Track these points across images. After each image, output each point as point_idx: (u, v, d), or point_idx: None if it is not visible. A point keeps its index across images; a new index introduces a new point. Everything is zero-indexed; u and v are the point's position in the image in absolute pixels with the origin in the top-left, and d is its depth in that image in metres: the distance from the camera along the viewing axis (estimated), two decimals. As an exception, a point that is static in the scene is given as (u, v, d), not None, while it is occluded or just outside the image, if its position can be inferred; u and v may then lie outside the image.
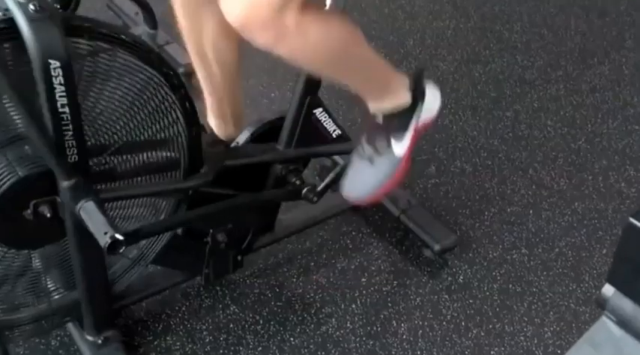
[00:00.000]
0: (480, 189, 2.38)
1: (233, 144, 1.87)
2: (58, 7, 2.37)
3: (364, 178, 1.81)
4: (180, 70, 2.53)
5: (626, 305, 1.15)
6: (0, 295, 1.66)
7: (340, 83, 1.70)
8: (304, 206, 1.99)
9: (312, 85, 1.82)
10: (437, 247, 2.08)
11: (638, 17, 3.22)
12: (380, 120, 1.76)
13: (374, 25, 2.98)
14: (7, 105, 1.47)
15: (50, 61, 1.35)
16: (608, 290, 1.17)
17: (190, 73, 2.57)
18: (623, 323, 1.16)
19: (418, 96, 1.78)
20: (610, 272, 1.17)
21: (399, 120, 1.77)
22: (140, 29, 2.69)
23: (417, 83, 1.78)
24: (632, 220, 1.08)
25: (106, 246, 1.43)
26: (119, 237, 1.42)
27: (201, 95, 2.48)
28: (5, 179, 1.47)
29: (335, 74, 1.67)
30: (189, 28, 1.84)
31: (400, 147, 1.78)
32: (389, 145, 1.77)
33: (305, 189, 1.90)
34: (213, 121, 1.92)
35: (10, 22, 1.35)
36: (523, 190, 2.39)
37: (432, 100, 1.83)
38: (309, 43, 1.50)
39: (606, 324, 1.17)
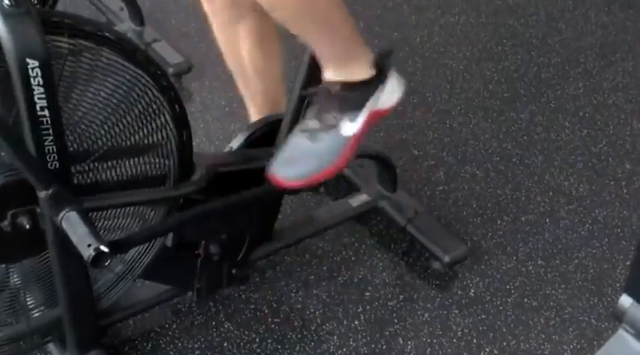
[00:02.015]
0: (492, 196, 2.39)
1: (226, 149, 1.88)
2: (36, 2, 2.40)
3: (301, 156, 1.77)
4: (170, 70, 2.56)
5: (644, 316, 1.16)
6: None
7: (304, 38, 1.69)
8: (303, 215, 2.00)
9: (311, 84, 1.83)
10: (446, 259, 2.09)
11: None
12: (334, 90, 1.74)
13: (377, 19, 2.99)
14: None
15: (28, 60, 1.36)
16: (625, 301, 1.18)
17: (181, 73, 2.60)
18: (643, 336, 1.17)
19: (381, 75, 1.77)
20: (628, 283, 1.18)
21: (355, 95, 1.75)
22: (125, 26, 2.71)
23: (382, 63, 1.77)
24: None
25: (90, 258, 1.43)
26: (104, 248, 1.43)
27: (191, 97, 2.51)
28: (-20, 188, 1.49)
29: (303, 24, 1.66)
30: (226, 40, 1.91)
31: (350, 127, 1.76)
32: (338, 122, 1.75)
33: None
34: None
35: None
36: (539, 197, 2.39)
37: (394, 87, 1.82)
38: None
39: (624, 337, 1.18)
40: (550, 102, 2.74)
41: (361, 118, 1.76)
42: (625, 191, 2.43)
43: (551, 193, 2.41)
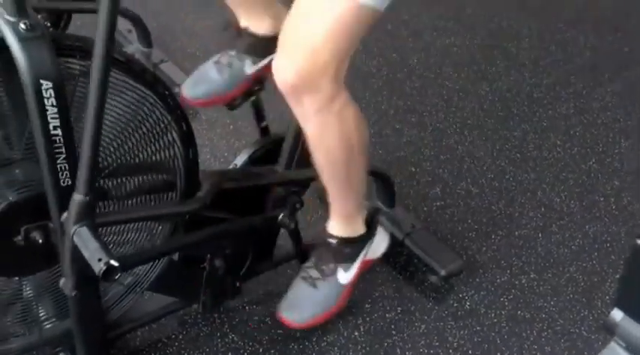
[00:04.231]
0: (486, 211, 2.39)
1: (231, 166, 1.88)
2: (49, 25, 2.41)
3: (305, 302, 1.93)
4: (176, 90, 2.56)
5: (636, 330, 1.16)
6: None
7: (330, 185, 1.80)
8: (305, 231, 2.01)
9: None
10: (442, 272, 2.09)
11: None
12: (334, 243, 1.91)
13: (377, 42, 2.99)
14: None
15: (42, 81, 1.36)
16: (616, 314, 1.18)
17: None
18: (634, 349, 1.17)
19: (371, 231, 1.95)
20: (618, 297, 1.18)
21: (350, 249, 1.93)
22: (134, 47, 2.72)
23: (372, 219, 1.96)
24: (639, 242, 1.10)
25: (101, 272, 1.43)
26: (114, 263, 1.43)
27: (197, 115, 2.51)
28: (-6, 205, 1.49)
29: (336, 167, 1.75)
30: None
31: (346, 276, 1.94)
32: (335, 272, 1.92)
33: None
34: (248, 18, 2.03)
35: (1, 42, 1.37)
36: (532, 213, 2.39)
37: (380, 242, 2.01)
38: (340, 124, 1.64)
39: (616, 350, 1.18)
40: (542, 121, 2.75)
41: (354, 269, 1.95)
42: (614, 207, 2.43)
43: (543, 209, 2.41)
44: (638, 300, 1.17)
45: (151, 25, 2.64)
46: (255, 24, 2.00)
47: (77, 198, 1.47)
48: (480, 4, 3.36)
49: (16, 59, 1.36)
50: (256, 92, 2.10)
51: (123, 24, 2.75)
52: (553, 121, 2.74)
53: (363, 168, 1.81)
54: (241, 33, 2.01)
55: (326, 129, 1.65)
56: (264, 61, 2.01)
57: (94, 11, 2.42)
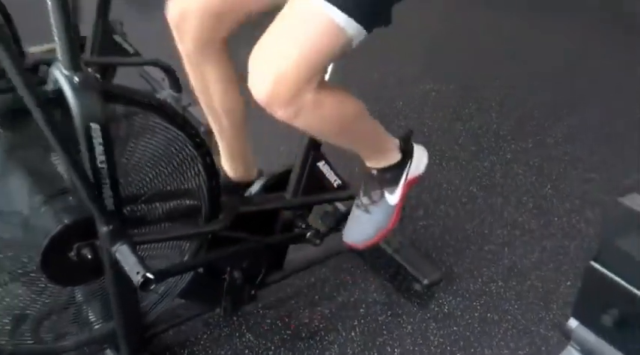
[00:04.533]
0: (461, 230, 2.38)
1: (247, 194, 1.88)
2: (98, 75, 2.41)
3: (362, 226, 1.83)
4: (202, 129, 2.55)
5: (589, 336, 1.16)
6: (49, 325, 1.66)
7: (343, 147, 1.71)
8: (309, 247, 2.00)
9: (315, 142, 1.84)
10: (425, 281, 2.07)
11: (603, 76, 3.25)
12: (375, 173, 1.79)
13: (367, 88, 2.98)
14: (55, 162, 1.49)
15: (91, 124, 1.37)
16: (572, 323, 1.18)
17: (210, 131, 2.60)
18: (586, 351, 1.17)
19: (407, 155, 1.83)
20: (574, 308, 1.18)
21: (391, 175, 1.80)
22: (166, 93, 2.71)
23: (406, 144, 1.83)
24: (592, 263, 1.10)
25: (139, 284, 1.43)
26: (150, 276, 1.43)
27: (218, 149, 2.50)
28: (53, 226, 1.48)
29: (340, 141, 1.70)
30: (196, 80, 1.81)
31: (393, 197, 1.81)
32: (383, 196, 1.80)
33: (309, 233, 1.92)
34: (226, 164, 1.92)
35: (60, 92, 1.37)
36: (499, 231, 2.39)
37: (420, 159, 1.88)
38: (323, 117, 1.52)
39: (572, 353, 1.18)
40: (507, 154, 2.74)
41: (399, 190, 1.83)
42: (566, 225, 2.42)
43: (508, 227, 2.40)
44: (590, 312, 1.16)
45: (181, 74, 2.63)
46: (229, 170, 1.92)
47: (119, 222, 1.47)
48: (453, 56, 3.37)
49: (70, 106, 1.36)
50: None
51: (158, 73, 2.75)
52: (515, 154, 2.74)
53: (367, 120, 1.69)
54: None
55: (313, 122, 1.53)
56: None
57: (133, 64, 2.44)
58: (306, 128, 1.59)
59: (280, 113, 1.45)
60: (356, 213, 1.84)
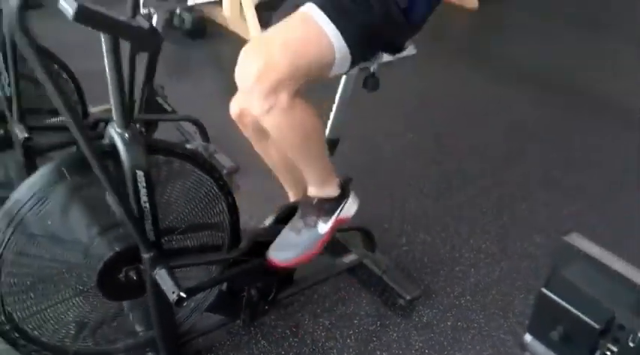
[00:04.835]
0: (436, 254, 2.39)
1: (261, 226, 1.90)
2: (143, 129, 2.45)
3: (290, 245, 1.76)
4: (224, 172, 2.58)
5: (540, 349, 1.18)
6: (103, 331, 1.69)
7: (298, 162, 1.68)
8: (312, 269, 2.01)
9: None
10: (407, 297, 2.09)
11: (549, 130, 3.29)
12: (315, 202, 1.76)
13: (358, 141, 2.99)
14: (108, 201, 1.52)
15: (137, 171, 1.41)
16: (527, 337, 1.21)
17: (231, 173, 2.62)
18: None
19: (344, 195, 1.79)
20: (529, 325, 1.20)
21: (328, 207, 1.77)
22: (197, 142, 2.74)
23: (345, 185, 1.80)
24: (543, 290, 1.13)
25: (174, 301, 1.46)
26: (183, 295, 1.46)
27: (239, 189, 2.52)
28: (107, 253, 1.52)
29: (298, 153, 1.63)
30: (264, 154, 1.88)
31: (325, 227, 1.77)
32: (316, 224, 1.76)
33: None
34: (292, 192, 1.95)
35: (113, 145, 1.41)
36: (467, 254, 2.41)
37: (352, 204, 1.83)
38: (292, 121, 1.48)
39: (527, 362, 1.20)
40: (472, 190, 2.77)
41: (331, 222, 1.78)
42: (519, 249, 2.44)
43: (474, 251, 2.42)
44: (542, 329, 1.19)
45: (208, 127, 2.67)
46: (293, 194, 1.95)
47: (158, 250, 1.50)
48: (430, 112, 3.42)
49: (121, 157, 1.40)
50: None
51: (191, 127, 2.78)
52: (478, 191, 2.77)
53: (322, 145, 1.65)
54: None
55: (281, 124, 1.47)
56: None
57: (171, 120, 2.47)
58: (273, 129, 1.50)
59: (257, 104, 1.41)
60: (286, 234, 1.77)
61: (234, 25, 4.20)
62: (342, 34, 1.42)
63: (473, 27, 4.92)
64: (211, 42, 4.08)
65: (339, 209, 1.78)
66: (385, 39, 1.56)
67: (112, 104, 1.38)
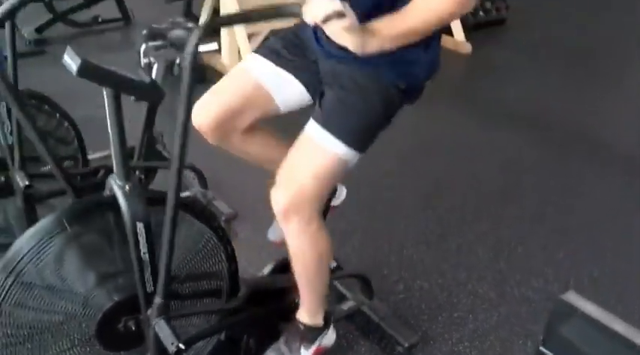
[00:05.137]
0: (434, 300, 2.38)
1: (260, 274, 1.90)
2: (142, 176, 2.46)
3: None
4: (223, 218, 2.59)
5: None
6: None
7: (304, 285, 1.74)
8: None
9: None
10: (406, 344, 2.08)
11: (540, 173, 3.31)
12: (301, 328, 1.82)
13: (354, 180, 3.03)
14: (108, 251, 1.53)
15: (137, 223, 1.42)
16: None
17: (229, 220, 2.63)
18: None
19: (326, 325, 1.86)
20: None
21: (311, 335, 1.84)
22: (195, 189, 2.76)
23: (328, 317, 1.87)
24: (542, 349, 1.13)
25: (174, 353, 1.45)
26: (182, 346, 1.45)
27: (237, 236, 2.52)
28: (107, 303, 1.51)
29: (308, 276, 1.72)
30: (235, 151, 1.85)
31: (306, 353, 1.84)
32: (299, 349, 1.83)
33: None
34: None
35: (114, 197, 1.42)
36: (464, 300, 2.39)
37: (331, 335, 1.91)
38: (315, 245, 1.62)
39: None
40: (468, 235, 2.77)
41: (312, 350, 1.85)
42: (517, 295, 2.43)
43: (472, 297, 2.41)
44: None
45: (207, 174, 2.69)
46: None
47: (157, 300, 1.50)
48: (424, 157, 3.45)
49: (121, 208, 1.41)
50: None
51: (189, 173, 2.79)
52: (476, 235, 2.77)
53: (327, 276, 1.75)
54: None
55: (304, 245, 1.61)
56: None
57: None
58: (296, 248, 1.62)
59: (294, 221, 1.54)
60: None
61: (232, 71, 4.26)
62: (351, 147, 1.55)
63: (467, 70, 5.01)
64: (210, 87, 4.12)
65: (321, 338, 1.86)
66: (388, 120, 1.64)
67: (113, 157, 1.40)
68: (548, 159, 3.49)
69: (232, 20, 1.64)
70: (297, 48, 1.71)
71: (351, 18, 1.28)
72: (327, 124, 1.54)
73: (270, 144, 1.86)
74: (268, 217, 1.95)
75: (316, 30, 1.59)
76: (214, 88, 1.76)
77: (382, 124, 1.62)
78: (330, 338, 1.89)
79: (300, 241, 1.60)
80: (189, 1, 4.63)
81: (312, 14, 1.26)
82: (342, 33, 1.34)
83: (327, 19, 1.25)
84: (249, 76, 1.72)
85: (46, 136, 2.49)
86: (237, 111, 1.71)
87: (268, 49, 1.74)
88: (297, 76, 1.71)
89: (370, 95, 1.56)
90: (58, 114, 2.47)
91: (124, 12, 5.72)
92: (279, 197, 1.54)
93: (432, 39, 1.56)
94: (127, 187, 1.41)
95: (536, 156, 3.51)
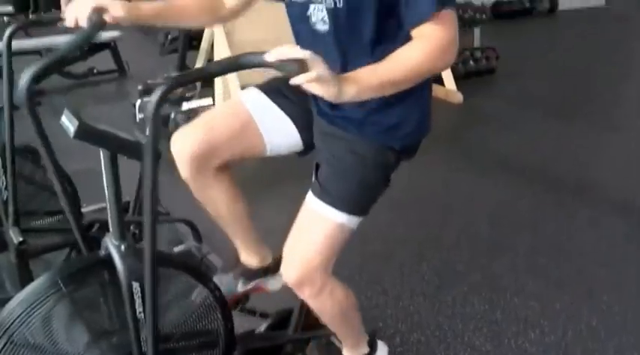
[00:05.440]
0: (431, 353, 2.36)
1: (257, 332, 1.88)
2: (137, 231, 2.44)
3: None
4: (218, 272, 2.57)
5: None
6: None
7: (334, 329, 1.77)
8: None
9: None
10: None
11: (529, 221, 3.32)
12: None
13: (357, 251, 3.01)
14: (103, 310, 1.51)
15: (133, 282, 1.41)
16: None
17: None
18: None
19: (373, 349, 1.87)
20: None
21: None
22: (190, 243, 2.74)
23: (372, 339, 1.88)
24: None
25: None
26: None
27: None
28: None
29: (337, 324, 1.75)
30: (205, 200, 1.82)
31: None
32: None
33: None
34: (243, 255, 1.95)
35: (110, 256, 1.42)
36: (461, 353, 2.37)
37: (381, 352, 1.91)
38: (334, 301, 1.63)
39: None
40: (463, 287, 2.76)
41: None
42: (514, 346, 2.40)
43: (469, 349, 2.38)
44: None
45: (201, 227, 2.68)
46: (248, 259, 1.96)
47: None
48: (416, 206, 3.46)
49: (117, 268, 1.41)
50: (245, 301, 2.05)
51: (183, 227, 2.79)
52: (470, 288, 2.76)
53: (356, 316, 1.77)
54: (238, 263, 1.99)
55: (323, 305, 1.63)
56: (251, 284, 1.98)
57: (165, 222, 2.44)
58: (322, 308, 1.65)
59: (307, 291, 1.56)
60: None
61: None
62: (353, 215, 1.57)
63: (458, 119, 5.08)
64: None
65: None
66: (385, 181, 1.64)
67: (110, 217, 1.40)
68: (540, 206, 3.51)
69: (193, 78, 1.48)
70: (293, 95, 1.66)
71: (318, 68, 1.22)
72: (325, 196, 1.54)
73: (235, 194, 1.81)
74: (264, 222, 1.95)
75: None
76: (202, 115, 1.71)
77: (381, 187, 1.62)
78: (382, 353, 1.89)
79: (319, 302, 1.62)
80: (184, 54, 4.71)
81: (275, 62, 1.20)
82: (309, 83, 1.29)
83: (282, 69, 1.19)
84: (242, 108, 1.68)
85: (42, 190, 2.50)
86: (221, 142, 1.65)
87: (269, 85, 1.71)
88: (291, 117, 1.68)
89: (366, 162, 1.55)
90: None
91: (119, 64, 5.82)
92: (289, 272, 1.56)
93: (421, 98, 1.58)
94: (123, 247, 1.41)
95: (528, 205, 3.53)
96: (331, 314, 1.68)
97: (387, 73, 1.36)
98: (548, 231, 3.26)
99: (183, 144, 1.67)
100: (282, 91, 1.68)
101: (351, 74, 1.33)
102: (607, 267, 2.93)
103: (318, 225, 1.55)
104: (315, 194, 1.56)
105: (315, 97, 1.62)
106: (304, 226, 1.58)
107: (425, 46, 1.37)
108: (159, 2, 1.63)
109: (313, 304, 1.63)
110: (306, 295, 1.58)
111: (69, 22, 1.50)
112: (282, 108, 1.68)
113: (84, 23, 1.43)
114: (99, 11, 1.46)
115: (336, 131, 1.58)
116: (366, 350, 1.84)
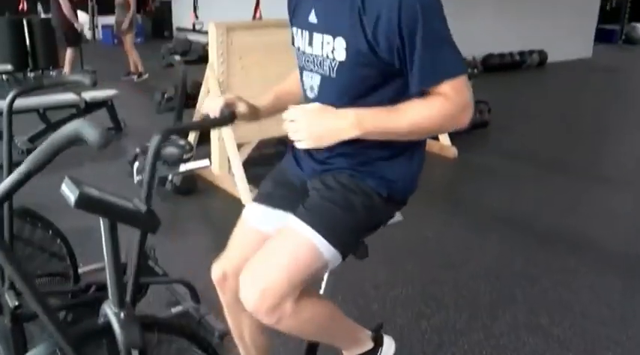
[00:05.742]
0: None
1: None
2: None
3: None
4: (216, 333, 2.56)
5: None
6: None
7: (322, 342, 1.76)
8: None
9: (312, 346, 1.87)
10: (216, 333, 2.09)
11: (527, 278, 3.31)
12: None
13: (346, 292, 3.03)
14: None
15: (132, 349, 1.40)
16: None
17: (223, 335, 2.60)
18: None
19: (378, 343, 1.83)
20: None
21: None
22: (188, 304, 2.75)
23: (377, 334, 1.84)
24: None
25: None
26: None
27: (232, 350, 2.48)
28: None
29: (318, 338, 1.74)
30: (234, 324, 1.91)
31: None
32: None
33: None
34: None
35: (109, 324, 1.42)
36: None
37: (389, 347, 1.87)
38: (302, 321, 1.57)
39: None
40: (464, 345, 2.74)
41: None
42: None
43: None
44: None
45: (199, 288, 2.68)
46: None
47: None
48: (413, 263, 3.46)
49: (116, 335, 1.40)
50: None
51: (181, 288, 2.78)
52: (470, 345, 2.74)
53: (339, 323, 1.72)
54: None
55: (293, 326, 1.56)
56: None
57: (163, 283, 2.41)
58: (289, 330, 1.60)
59: (265, 320, 1.52)
60: None
61: (222, 182, 4.33)
62: (330, 244, 1.54)
63: (453, 174, 5.13)
64: (201, 197, 4.19)
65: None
66: (371, 226, 1.68)
67: (109, 285, 1.40)
68: (536, 261, 3.52)
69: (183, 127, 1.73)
70: (285, 184, 1.78)
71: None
72: (305, 216, 1.55)
73: (261, 325, 1.81)
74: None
75: (295, 153, 1.72)
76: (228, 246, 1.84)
77: (364, 228, 1.63)
78: (389, 348, 1.87)
79: (287, 325, 1.55)
80: (180, 112, 4.77)
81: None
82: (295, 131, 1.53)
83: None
84: (248, 226, 1.80)
85: (40, 253, 2.50)
86: (243, 260, 1.67)
87: (260, 195, 1.82)
88: (293, 210, 1.70)
89: (351, 194, 1.59)
90: (50, 231, 2.49)
91: (116, 122, 5.88)
92: (247, 298, 1.51)
93: (415, 153, 1.64)
94: (122, 315, 1.41)
95: (524, 260, 3.54)
96: (307, 333, 1.65)
97: (397, 122, 1.46)
98: (545, 285, 3.25)
99: (215, 275, 1.82)
100: (272, 194, 1.79)
101: (360, 112, 1.47)
102: (608, 324, 2.91)
103: (289, 240, 1.53)
104: (297, 214, 1.57)
105: (299, 163, 1.77)
106: (274, 244, 1.56)
107: (444, 104, 1.44)
108: (269, 96, 1.85)
109: (282, 327, 1.56)
110: (265, 321, 1.52)
111: (205, 111, 1.73)
112: (282, 207, 1.76)
113: (217, 114, 1.68)
114: (228, 107, 1.69)
115: (328, 172, 1.65)
116: (370, 345, 1.81)
